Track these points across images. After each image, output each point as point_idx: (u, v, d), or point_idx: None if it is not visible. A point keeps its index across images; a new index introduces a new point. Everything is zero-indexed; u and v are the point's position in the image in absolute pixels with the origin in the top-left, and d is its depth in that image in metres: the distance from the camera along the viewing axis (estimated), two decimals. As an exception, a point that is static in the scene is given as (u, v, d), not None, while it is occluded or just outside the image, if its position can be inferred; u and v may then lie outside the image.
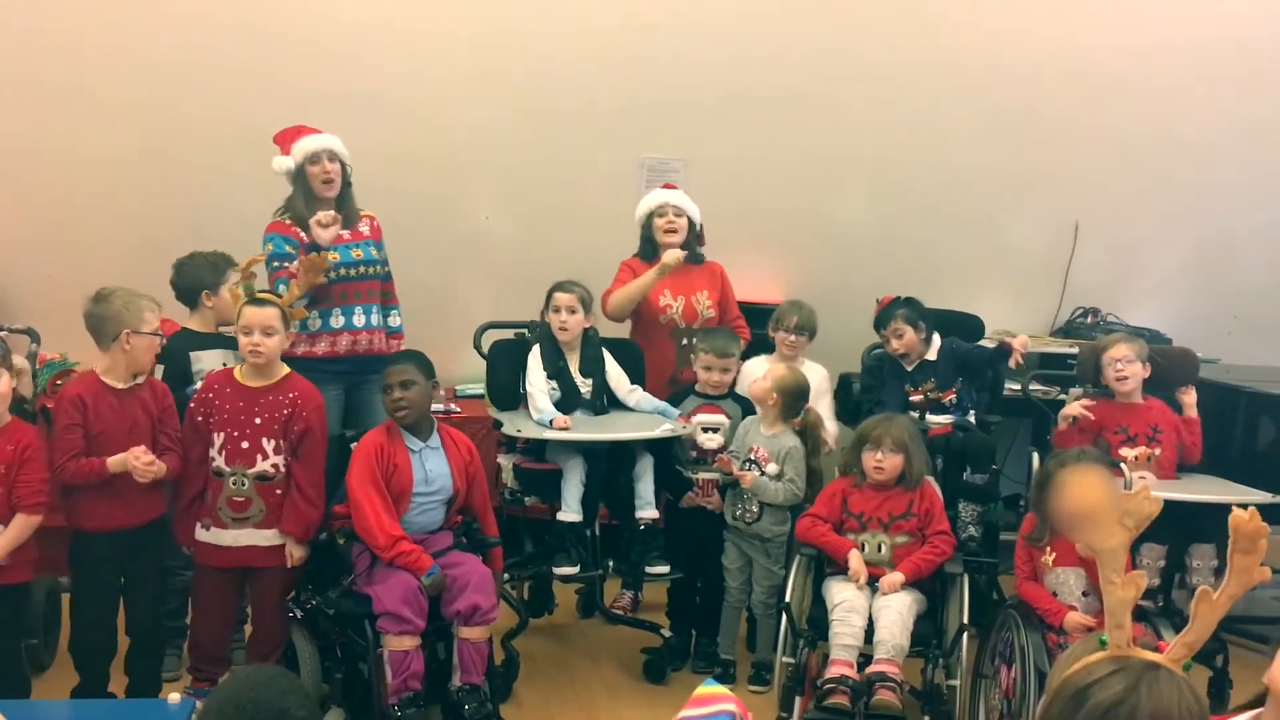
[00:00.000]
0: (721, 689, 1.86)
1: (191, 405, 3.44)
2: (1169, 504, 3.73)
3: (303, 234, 3.92)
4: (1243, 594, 1.60)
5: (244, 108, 4.66)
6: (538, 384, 4.00)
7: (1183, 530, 3.80)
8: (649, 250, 4.45)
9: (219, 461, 3.39)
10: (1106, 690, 1.47)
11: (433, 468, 3.53)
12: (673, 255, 4.27)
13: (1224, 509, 4.07)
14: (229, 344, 3.72)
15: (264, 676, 1.71)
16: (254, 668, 1.80)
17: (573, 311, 4.05)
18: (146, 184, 4.79)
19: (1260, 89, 5.36)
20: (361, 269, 4.00)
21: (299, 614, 3.52)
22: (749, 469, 3.92)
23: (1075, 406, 4.07)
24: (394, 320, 4.16)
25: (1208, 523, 3.85)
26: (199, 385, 3.58)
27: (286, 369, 3.51)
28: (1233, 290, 5.76)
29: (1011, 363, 4.24)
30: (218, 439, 3.39)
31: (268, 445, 3.40)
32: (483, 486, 3.67)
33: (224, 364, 3.70)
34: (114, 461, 3.24)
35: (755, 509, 3.93)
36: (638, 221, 4.47)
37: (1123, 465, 3.77)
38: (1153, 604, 3.58)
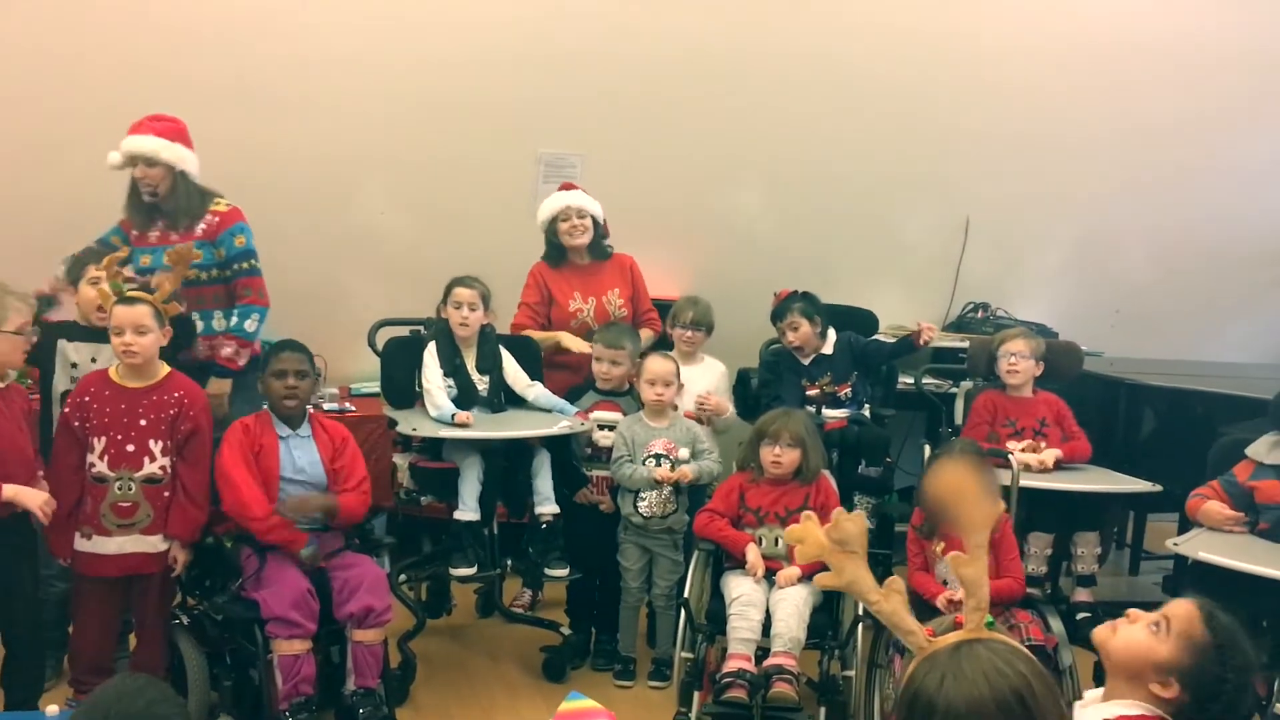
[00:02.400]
0: (589, 703, 1.84)
1: (66, 411, 3.29)
2: (1054, 494, 3.89)
3: (134, 230, 3.85)
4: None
5: (125, 100, 4.50)
6: (435, 381, 3.95)
7: (1067, 519, 3.91)
8: (555, 254, 4.44)
9: (100, 466, 3.26)
10: (924, 694, 1.53)
11: (301, 455, 3.47)
12: (576, 344, 4.27)
13: (1106, 498, 4.25)
14: (100, 337, 3.51)
15: (133, 686, 1.65)
16: (123, 677, 1.73)
17: (473, 308, 4.01)
18: (22, 178, 4.60)
19: (1143, 92, 5.53)
20: (195, 273, 3.76)
21: (185, 621, 3.42)
22: (663, 464, 3.91)
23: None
24: (232, 320, 3.87)
25: (1091, 512, 4.00)
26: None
27: (167, 368, 3.39)
28: (1116, 285, 5.94)
29: (921, 340, 4.28)
30: (98, 443, 3.26)
31: (155, 447, 3.29)
32: (354, 458, 3.56)
33: (92, 359, 3.55)
34: (9, 492, 3.07)
35: (673, 503, 3.92)
36: (540, 226, 4.44)
37: (1010, 457, 3.86)
38: (1040, 591, 3.67)
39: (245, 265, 3.89)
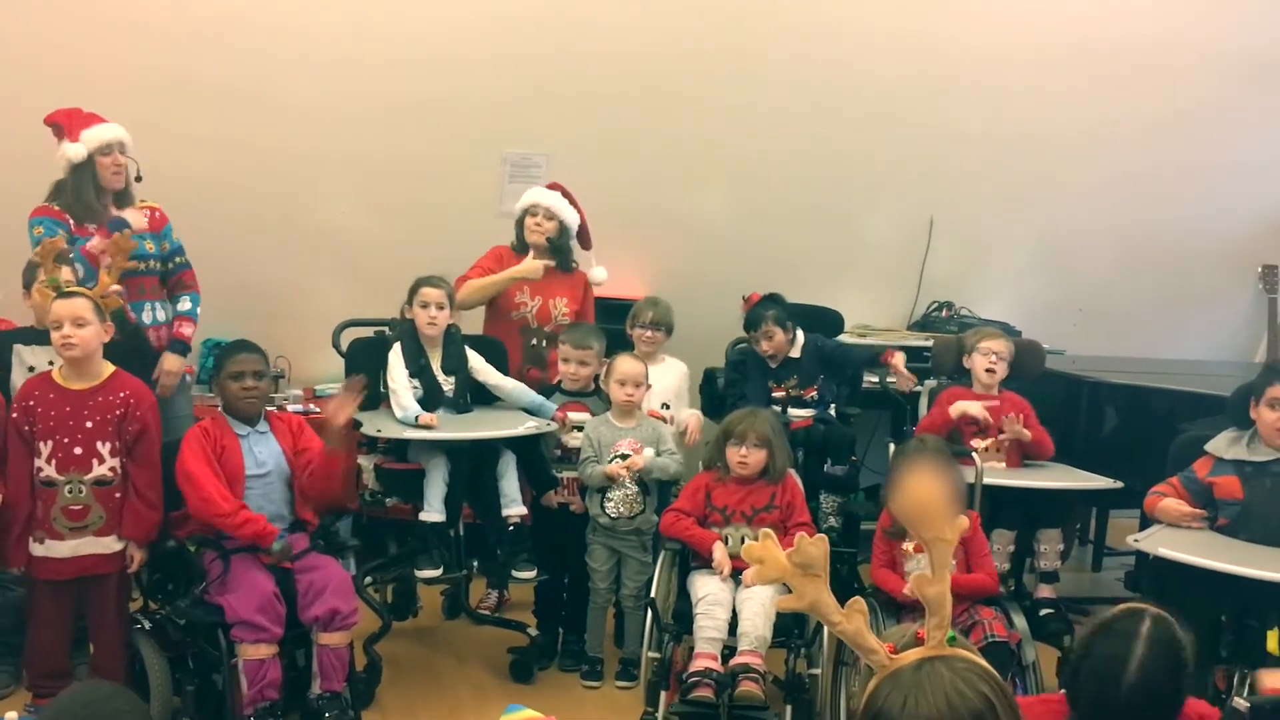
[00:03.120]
0: (529, 714, 1.84)
1: (14, 417, 3.25)
2: (1017, 492, 3.91)
3: (70, 222, 3.82)
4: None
5: (86, 98, 4.45)
6: (400, 381, 3.93)
7: (1030, 517, 3.94)
8: (521, 246, 4.44)
9: (49, 471, 3.24)
10: (887, 715, 1.54)
11: (261, 450, 3.46)
12: (531, 268, 4.27)
13: (1068, 495, 4.28)
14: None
15: (99, 694, 1.64)
16: (88, 684, 1.72)
17: (441, 307, 4.00)
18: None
19: (1104, 91, 5.58)
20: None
21: (147, 625, 3.39)
22: (611, 464, 3.91)
23: (976, 408, 4.07)
24: (183, 305, 4.06)
25: (1053, 509, 4.02)
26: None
27: (111, 367, 3.36)
28: (1078, 284, 5.99)
29: (900, 384, 4.36)
30: (45, 448, 3.23)
31: (103, 448, 3.27)
32: (314, 437, 3.57)
33: (50, 362, 3.51)
34: None
35: (640, 503, 3.92)
36: (515, 214, 4.45)
37: (974, 455, 3.89)
38: (1003, 589, 3.70)
39: (182, 260, 4.08)
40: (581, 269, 4.54)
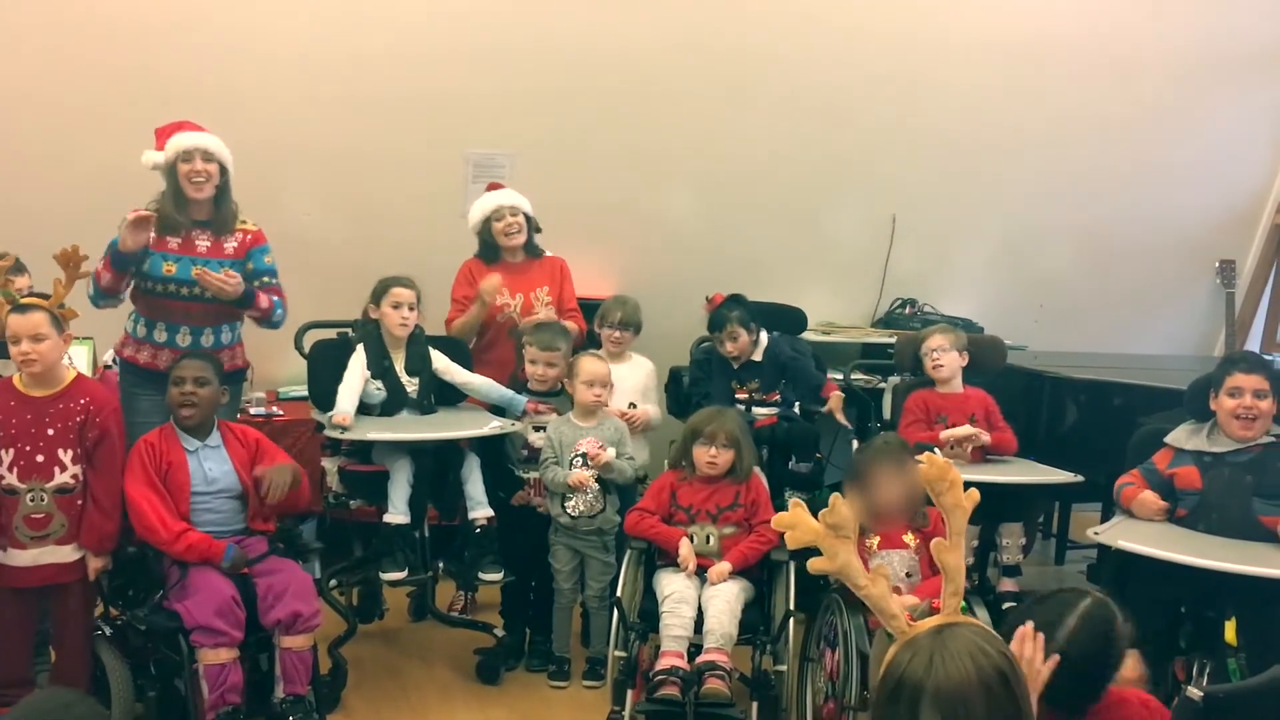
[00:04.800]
0: None
1: None
2: (979, 486, 3.91)
3: (153, 232, 3.74)
4: (965, 525, 1.70)
5: (44, 95, 4.43)
6: (348, 382, 3.91)
7: (993, 511, 3.97)
8: (489, 254, 4.43)
9: (10, 479, 3.19)
10: (912, 678, 1.54)
11: (212, 467, 3.42)
12: (491, 287, 4.26)
13: (1030, 490, 4.31)
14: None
15: (61, 701, 1.62)
16: (48, 691, 1.71)
17: (412, 308, 4.00)
18: None
19: (1063, 89, 5.63)
20: (189, 289, 3.74)
21: (108, 632, 3.35)
22: (572, 474, 3.90)
23: (964, 430, 4.05)
24: (225, 336, 3.92)
25: (1016, 503, 4.06)
26: None
27: (74, 373, 3.33)
28: (1040, 281, 6.05)
29: (830, 408, 4.39)
30: (6, 455, 3.19)
31: (64, 456, 3.22)
32: (275, 454, 3.54)
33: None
34: None
35: (600, 503, 3.92)
36: (473, 227, 4.43)
37: (937, 451, 3.90)
38: (968, 582, 3.72)
39: (272, 280, 3.93)
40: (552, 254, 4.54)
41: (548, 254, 4.54)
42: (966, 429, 4.01)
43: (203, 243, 3.82)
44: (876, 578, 1.68)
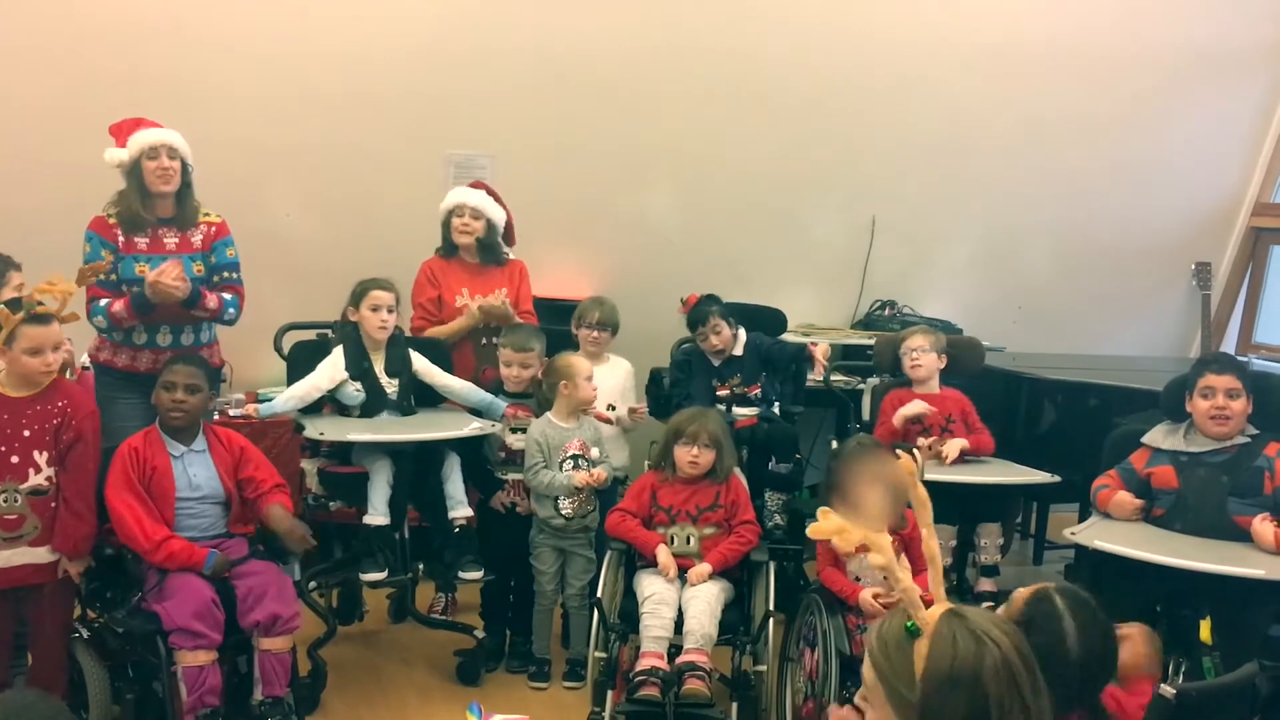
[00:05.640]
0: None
1: None
2: (957, 487, 3.96)
3: (120, 236, 3.75)
4: (927, 516, 1.74)
5: (20, 94, 4.40)
6: (312, 379, 3.92)
7: (971, 512, 3.99)
8: (448, 248, 4.43)
9: None
10: (965, 658, 1.54)
11: (197, 472, 3.41)
12: (471, 318, 4.29)
13: (1008, 490, 4.33)
14: None
15: (22, 702, 1.62)
16: (14, 693, 1.70)
17: (391, 310, 4.00)
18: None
19: (1041, 91, 5.66)
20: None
21: (85, 634, 3.34)
22: (582, 465, 3.91)
23: (915, 406, 4.13)
24: (204, 335, 3.95)
25: (993, 503, 4.08)
26: None
27: (52, 374, 3.31)
28: (1018, 282, 6.08)
29: (816, 372, 4.39)
30: None
31: (39, 458, 3.20)
32: (260, 462, 3.54)
33: None
34: None
35: (591, 503, 3.94)
36: (439, 217, 4.43)
37: (915, 452, 3.93)
38: (947, 581, 3.74)
39: (232, 275, 3.93)
40: (515, 258, 4.53)
41: (514, 259, 4.54)
42: (917, 405, 4.07)
43: (170, 239, 3.82)
44: (909, 571, 1.71)
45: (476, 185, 4.45)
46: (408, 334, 4.25)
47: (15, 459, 3.18)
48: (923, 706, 1.54)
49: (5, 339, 3.14)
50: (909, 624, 1.60)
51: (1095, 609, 2.09)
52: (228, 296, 3.91)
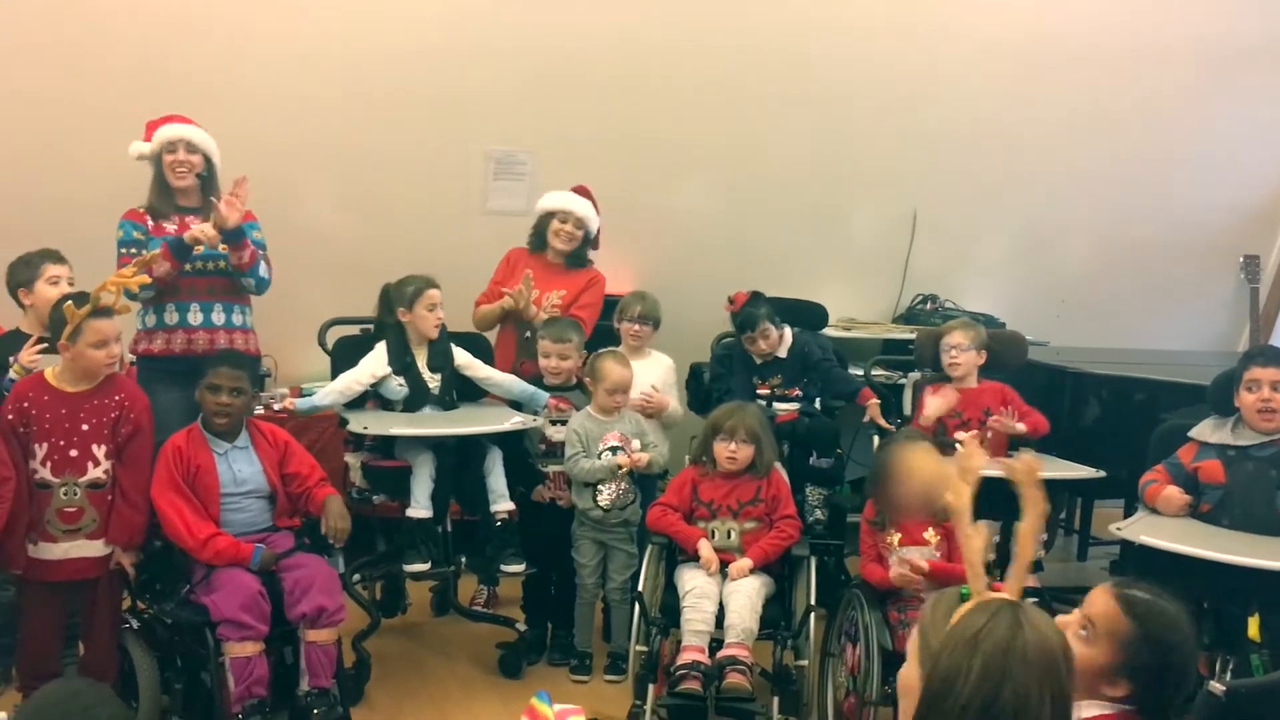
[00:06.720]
0: (546, 711, 1.86)
1: (10, 418, 3.22)
2: (1001, 481, 3.92)
3: (149, 221, 3.85)
4: (1040, 521, 1.78)
5: (66, 96, 4.47)
6: (353, 374, 3.95)
7: (1014, 506, 3.95)
8: (538, 243, 4.46)
9: (43, 473, 3.23)
10: (995, 634, 1.51)
11: (241, 468, 3.45)
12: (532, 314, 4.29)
13: (1051, 485, 4.28)
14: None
15: (70, 690, 1.65)
16: (62, 681, 1.74)
17: (441, 307, 4.03)
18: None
19: (1084, 84, 5.59)
20: (199, 263, 3.85)
21: (135, 625, 3.39)
22: (617, 454, 3.93)
23: (935, 405, 4.11)
24: (237, 318, 3.98)
25: (1038, 498, 4.04)
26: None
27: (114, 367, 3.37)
28: (1061, 275, 6.02)
29: (867, 415, 4.38)
30: (40, 450, 3.22)
31: (98, 451, 3.26)
32: (303, 457, 3.59)
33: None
34: None
35: (631, 494, 3.95)
36: (536, 210, 4.46)
37: (957, 447, 3.90)
38: (990, 578, 3.71)
39: (261, 253, 3.99)
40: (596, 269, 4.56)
41: (592, 267, 4.55)
42: (935, 403, 4.07)
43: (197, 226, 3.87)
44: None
45: (580, 191, 4.46)
46: (459, 324, 4.28)
47: (74, 452, 3.24)
48: (936, 659, 1.53)
49: (70, 334, 3.19)
50: (964, 589, 1.61)
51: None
52: (261, 260, 3.97)
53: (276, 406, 4.67)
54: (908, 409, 4.52)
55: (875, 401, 4.39)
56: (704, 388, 4.58)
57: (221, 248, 3.83)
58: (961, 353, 4.19)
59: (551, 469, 4.05)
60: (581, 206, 4.41)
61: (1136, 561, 3.45)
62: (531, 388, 4.11)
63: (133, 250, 3.76)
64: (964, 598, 1.61)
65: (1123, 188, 5.88)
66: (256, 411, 4.13)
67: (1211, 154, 5.95)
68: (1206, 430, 3.56)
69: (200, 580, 3.28)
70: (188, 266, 3.80)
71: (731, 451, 3.68)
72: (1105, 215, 5.91)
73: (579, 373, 4.15)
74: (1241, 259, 6.13)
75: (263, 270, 3.97)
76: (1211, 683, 2.11)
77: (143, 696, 3.26)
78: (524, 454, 4.05)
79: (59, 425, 3.24)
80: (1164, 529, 3.33)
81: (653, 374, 4.32)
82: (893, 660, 3.16)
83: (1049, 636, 1.53)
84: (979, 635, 1.51)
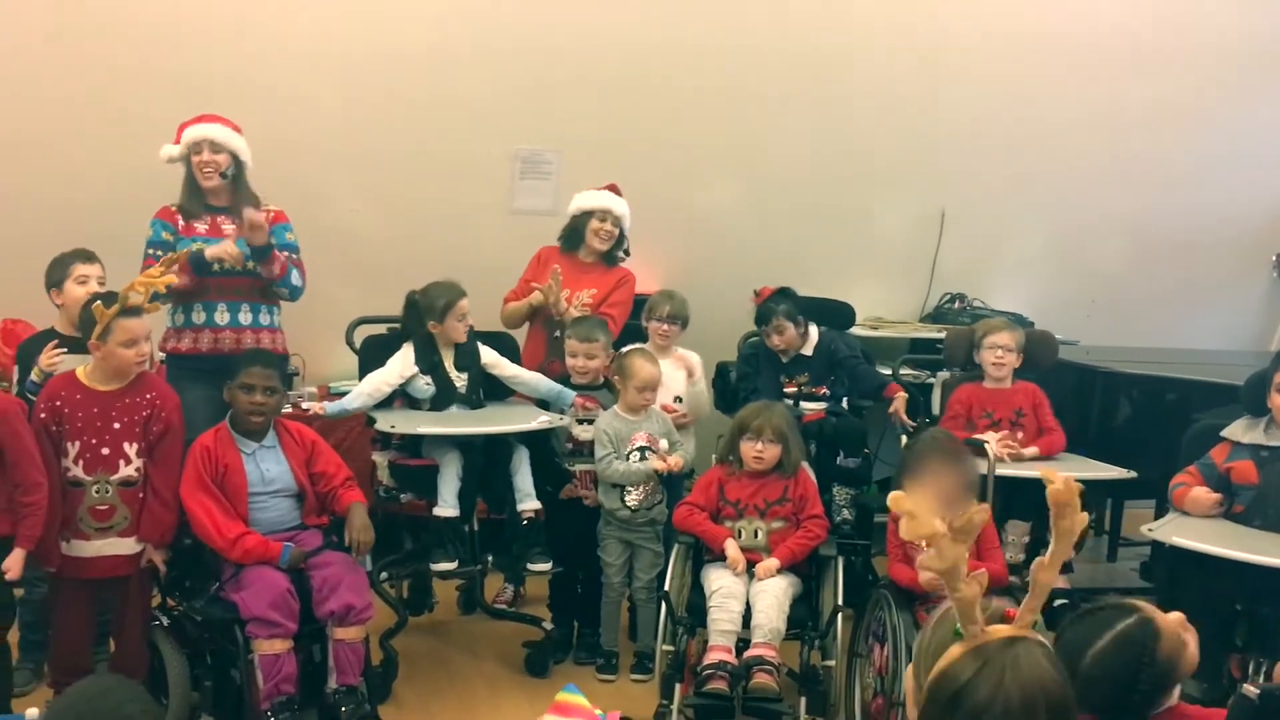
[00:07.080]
0: (580, 700, 1.85)
1: (42, 416, 3.25)
2: (1032, 482, 3.87)
3: (180, 220, 3.88)
4: (1068, 554, 1.65)
5: (95, 96, 4.51)
6: (381, 375, 3.97)
7: (1044, 507, 3.91)
8: (573, 241, 4.46)
9: (75, 471, 3.25)
10: (977, 691, 1.49)
11: (269, 467, 3.47)
12: (564, 310, 4.30)
13: (1084, 485, 4.24)
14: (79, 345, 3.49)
15: (100, 687, 1.66)
16: (93, 678, 1.75)
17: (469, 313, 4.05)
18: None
19: (1116, 81, 5.57)
20: (220, 264, 3.85)
21: (165, 622, 3.41)
22: (647, 456, 3.93)
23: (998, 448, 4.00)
24: (264, 317, 3.99)
25: (1068, 499, 4.01)
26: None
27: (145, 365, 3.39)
28: (1091, 275, 5.98)
29: (893, 419, 4.35)
30: (72, 448, 3.25)
31: (130, 450, 3.28)
32: (330, 457, 3.61)
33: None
34: None
35: (659, 494, 3.95)
36: (571, 210, 4.46)
37: (987, 447, 3.88)
38: (1019, 580, 3.69)
39: (293, 256, 4.00)
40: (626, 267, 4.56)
41: (621, 266, 4.56)
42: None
43: (228, 227, 3.91)
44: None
45: (612, 189, 4.46)
46: (486, 323, 4.28)
47: (106, 451, 3.26)
48: (920, 711, 1.53)
49: (100, 333, 3.22)
50: (957, 628, 1.58)
51: (1142, 656, 1.97)
52: (294, 268, 3.98)
53: (304, 406, 4.69)
54: (936, 408, 4.50)
55: (902, 395, 4.36)
56: (731, 387, 4.57)
57: (249, 265, 3.84)
58: (1007, 353, 4.17)
59: (579, 468, 4.05)
60: (619, 205, 4.42)
61: (1167, 563, 3.42)
62: (558, 386, 4.11)
63: (159, 252, 3.78)
64: (958, 636, 1.57)
65: (1155, 187, 5.83)
66: (284, 411, 4.16)
67: (1244, 153, 5.90)
68: (1239, 431, 3.53)
69: (229, 578, 3.30)
70: (215, 267, 3.82)
71: (758, 451, 3.67)
72: (1137, 213, 5.87)
73: (606, 372, 4.15)
74: (1274, 258, 6.08)
75: (295, 278, 3.98)
76: (1245, 686, 2.08)
77: (173, 693, 3.28)
78: (551, 453, 4.05)
79: (91, 424, 3.26)
80: (1195, 530, 3.30)
81: (682, 373, 4.31)
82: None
83: (1043, 682, 1.49)
84: (959, 694, 1.49)
